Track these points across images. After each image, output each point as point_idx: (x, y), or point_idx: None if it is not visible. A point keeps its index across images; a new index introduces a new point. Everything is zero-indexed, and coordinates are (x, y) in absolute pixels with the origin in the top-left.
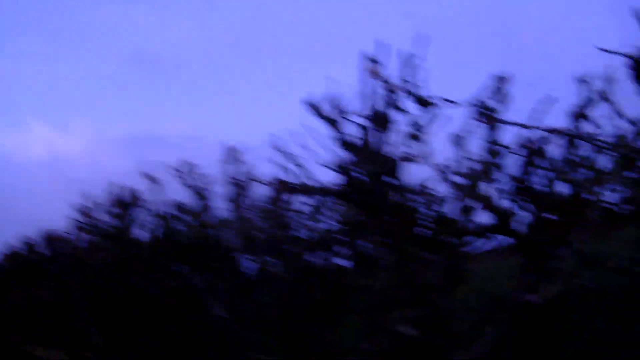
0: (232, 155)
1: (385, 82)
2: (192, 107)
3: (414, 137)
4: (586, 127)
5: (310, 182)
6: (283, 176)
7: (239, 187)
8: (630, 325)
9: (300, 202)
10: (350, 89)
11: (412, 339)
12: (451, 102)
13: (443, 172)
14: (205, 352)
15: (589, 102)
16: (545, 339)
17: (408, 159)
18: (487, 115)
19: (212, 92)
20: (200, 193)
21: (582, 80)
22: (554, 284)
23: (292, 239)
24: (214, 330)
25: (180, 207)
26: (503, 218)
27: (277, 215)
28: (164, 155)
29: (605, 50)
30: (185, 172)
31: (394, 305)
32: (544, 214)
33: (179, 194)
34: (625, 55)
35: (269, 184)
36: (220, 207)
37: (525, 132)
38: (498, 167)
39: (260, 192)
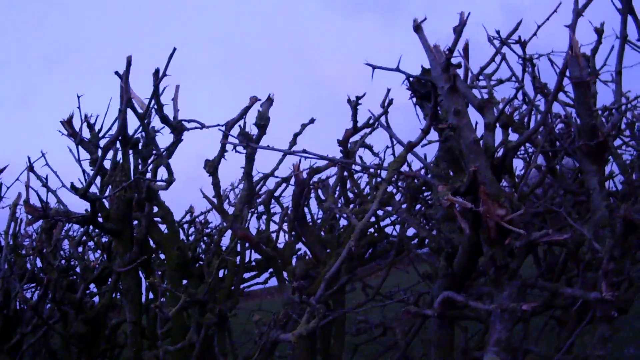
0: None
1: (131, 103)
2: None
3: (165, 163)
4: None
5: (60, 208)
6: (34, 201)
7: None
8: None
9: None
10: (108, 109)
11: None
12: (205, 126)
13: (209, 200)
14: None
15: (365, 126)
16: None
17: (162, 186)
18: (245, 139)
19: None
20: None
21: (354, 103)
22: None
23: (57, 271)
24: None
25: None
26: (275, 254)
27: (40, 244)
28: None
29: (372, 66)
30: None
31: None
32: (315, 248)
33: None
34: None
35: (27, 210)
36: None
37: (295, 160)
38: (271, 196)
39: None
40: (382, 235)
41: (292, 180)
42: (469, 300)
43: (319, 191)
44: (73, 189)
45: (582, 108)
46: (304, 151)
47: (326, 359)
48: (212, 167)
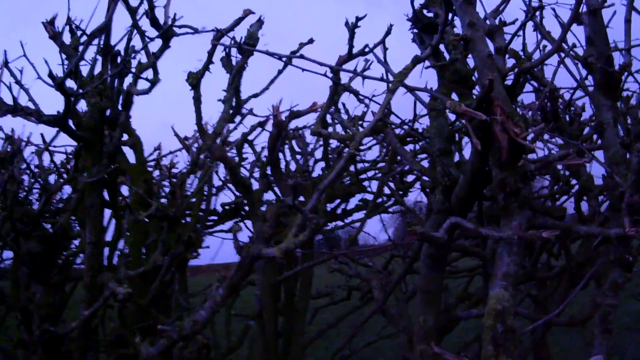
0: None
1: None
2: None
3: (152, 62)
4: None
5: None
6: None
7: None
8: None
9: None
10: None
11: None
12: (198, 30)
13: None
14: None
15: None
16: None
17: (144, 90)
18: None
19: None
20: None
21: (352, 25)
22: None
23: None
24: None
25: None
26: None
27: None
28: None
29: None
30: None
31: None
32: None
33: None
34: None
35: None
36: None
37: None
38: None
39: None
40: (359, 187)
41: (268, 126)
42: (479, 228)
43: (293, 142)
44: (51, 77)
45: (599, 36)
46: (302, 56)
47: (290, 317)
48: (195, 79)
